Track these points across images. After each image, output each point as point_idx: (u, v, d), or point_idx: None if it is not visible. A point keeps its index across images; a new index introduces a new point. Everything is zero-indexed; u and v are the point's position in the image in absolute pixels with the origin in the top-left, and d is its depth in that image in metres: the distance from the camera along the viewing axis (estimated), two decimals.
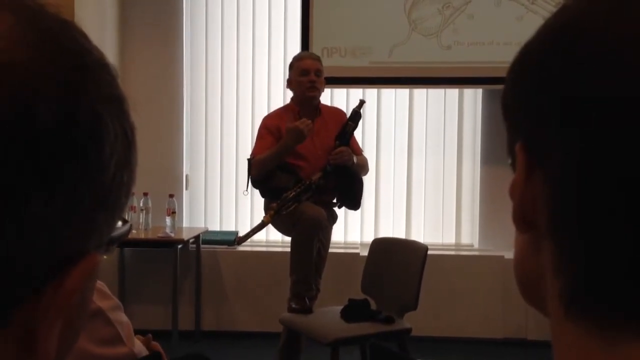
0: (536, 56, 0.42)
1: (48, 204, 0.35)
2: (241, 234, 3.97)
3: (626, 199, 0.35)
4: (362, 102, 3.54)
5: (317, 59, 3.57)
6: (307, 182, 3.33)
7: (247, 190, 3.66)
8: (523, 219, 0.41)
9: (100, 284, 1.22)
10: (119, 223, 0.42)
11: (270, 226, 3.50)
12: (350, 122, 3.49)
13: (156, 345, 1.51)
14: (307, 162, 3.40)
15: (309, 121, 3.31)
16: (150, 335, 1.52)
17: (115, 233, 0.42)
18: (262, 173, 3.42)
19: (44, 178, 0.35)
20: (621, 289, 0.36)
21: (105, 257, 0.43)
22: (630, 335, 0.35)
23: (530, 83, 0.41)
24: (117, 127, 0.39)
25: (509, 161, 0.44)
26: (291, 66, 3.56)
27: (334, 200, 3.53)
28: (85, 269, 0.38)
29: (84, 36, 0.40)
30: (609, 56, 0.36)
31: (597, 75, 0.37)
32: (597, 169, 0.36)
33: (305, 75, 3.45)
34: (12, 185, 0.34)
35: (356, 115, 3.50)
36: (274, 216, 3.30)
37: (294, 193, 3.30)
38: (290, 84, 3.56)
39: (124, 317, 1.31)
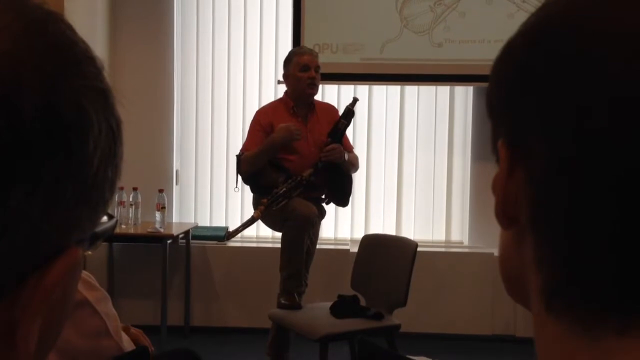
0: (519, 54, 0.42)
1: (29, 198, 0.34)
2: (231, 229, 3.96)
3: (606, 195, 0.35)
4: (355, 100, 3.53)
5: (317, 55, 3.56)
6: (298, 178, 3.33)
7: (237, 187, 3.65)
8: (505, 214, 0.42)
9: (87, 275, 1.21)
10: (104, 218, 0.42)
11: (260, 222, 3.50)
12: (342, 120, 3.49)
13: (145, 340, 1.50)
14: (299, 157, 3.40)
15: (299, 129, 3.31)
16: (141, 330, 1.51)
17: (100, 228, 0.41)
18: (251, 170, 3.41)
19: (24, 171, 0.34)
20: (602, 284, 0.36)
21: (90, 252, 0.43)
22: (612, 330, 0.35)
23: (512, 81, 0.42)
24: (101, 120, 0.38)
25: (495, 159, 0.44)
26: (288, 60, 3.51)
27: (323, 196, 3.53)
28: (66, 264, 0.38)
29: (70, 28, 0.39)
30: (592, 54, 0.36)
31: (578, 74, 0.37)
32: (578, 166, 0.36)
33: (306, 71, 3.43)
34: None
35: (349, 113, 3.49)
36: (264, 212, 3.29)
37: (284, 189, 3.29)
38: (286, 78, 3.53)
39: (111, 310, 1.29)
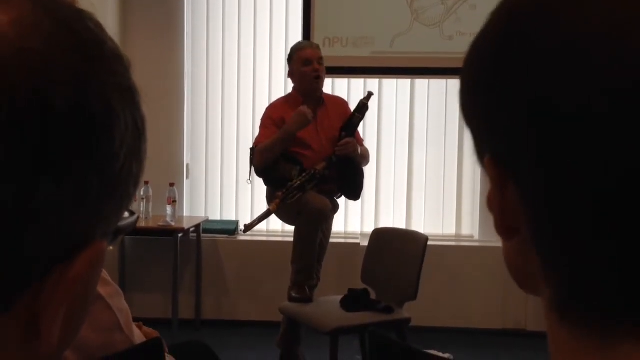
0: (486, 62, 0.40)
1: (57, 192, 0.35)
2: (242, 223, 3.96)
3: (597, 209, 0.34)
4: (370, 94, 3.53)
5: (318, 47, 3.55)
6: (312, 172, 3.33)
7: (249, 179, 3.66)
8: (504, 228, 0.41)
9: None
10: (126, 213, 0.43)
11: (272, 215, 3.50)
12: (357, 114, 3.48)
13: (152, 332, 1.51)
14: (312, 152, 3.41)
15: (310, 110, 3.31)
16: (155, 331, 1.52)
17: (122, 223, 0.42)
18: (265, 161, 3.41)
19: (54, 165, 0.35)
20: (607, 296, 0.36)
21: (111, 247, 0.43)
22: (627, 337, 0.35)
23: (484, 94, 0.40)
24: (128, 117, 0.39)
25: (482, 168, 0.42)
26: (291, 57, 3.51)
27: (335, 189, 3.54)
28: (91, 257, 0.38)
29: (99, 26, 0.40)
30: (561, 59, 0.35)
31: (554, 78, 0.35)
32: (564, 180, 0.35)
33: (308, 65, 3.42)
34: (23, 171, 0.34)
35: (364, 107, 3.49)
36: (280, 204, 3.30)
37: (299, 182, 3.30)
38: (292, 75, 3.53)
39: (123, 304, 1.31)
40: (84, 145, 0.36)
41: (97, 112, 0.37)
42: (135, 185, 0.41)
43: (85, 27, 0.39)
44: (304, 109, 3.29)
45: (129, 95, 0.40)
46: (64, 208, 0.36)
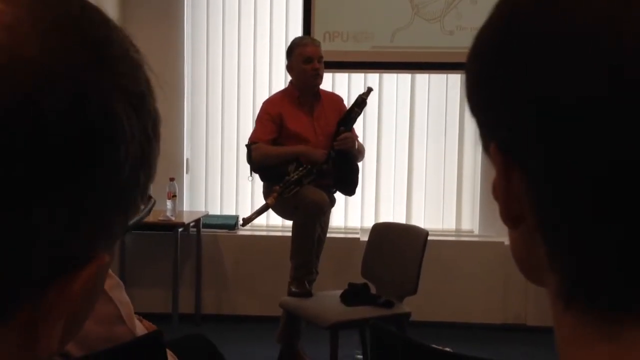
0: (488, 56, 0.40)
1: (55, 212, 0.33)
2: (242, 218, 3.94)
3: (599, 195, 0.34)
4: (370, 90, 3.53)
5: (319, 44, 3.55)
6: (309, 166, 3.34)
7: (250, 176, 3.66)
8: (509, 216, 0.41)
9: None
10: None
11: (270, 210, 3.51)
12: (356, 109, 3.48)
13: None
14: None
15: (325, 152, 3.34)
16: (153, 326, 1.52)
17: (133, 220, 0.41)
18: (262, 162, 3.43)
19: (49, 186, 0.33)
20: (612, 284, 0.35)
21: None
22: (632, 325, 0.35)
23: (487, 86, 0.40)
24: (134, 124, 0.36)
25: (486, 154, 0.42)
26: (291, 51, 3.51)
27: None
28: (90, 274, 0.37)
29: (105, 22, 0.37)
30: (560, 52, 0.35)
31: (554, 72, 0.35)
32: (565, 168, 0.35)
33: (309, 63, 3.42)
34: (18, 187, 0.32)
35: (362, 102, 3.49)
36: (278, 198, 3.30)
37: (296, 176, 3.30)
38: (291, 70, 3.53)
39: (124, 297, 1.31)
40: (82, 162, 0.34)
41: (96, 121, 0.34)
42: (143, 194, 0.39)
43: (87, 26, 0.36)
44: (319, 154, 3.32)
45: (137, 99, 0.37)
46: (62, 227, 0.34)
